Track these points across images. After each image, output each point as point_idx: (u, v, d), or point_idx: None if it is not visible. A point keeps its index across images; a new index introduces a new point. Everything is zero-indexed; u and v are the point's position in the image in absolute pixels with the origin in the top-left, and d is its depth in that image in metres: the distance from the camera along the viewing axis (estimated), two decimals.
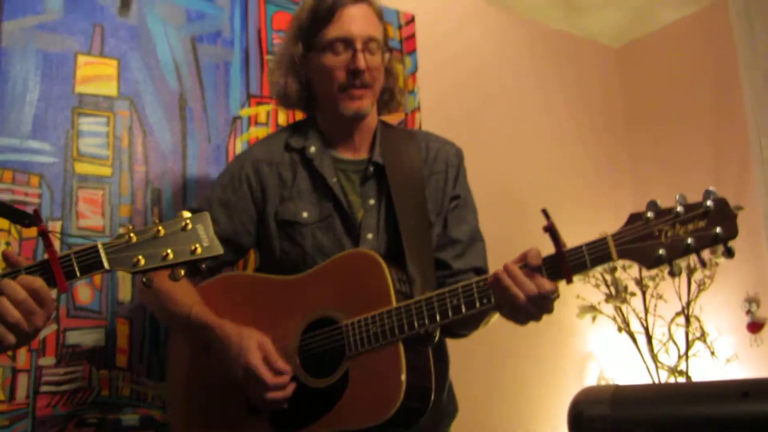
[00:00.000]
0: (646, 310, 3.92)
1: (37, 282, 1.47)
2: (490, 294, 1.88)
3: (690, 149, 4.33)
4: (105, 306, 2.58)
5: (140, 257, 1.55)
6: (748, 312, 3.89)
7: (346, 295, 2.05)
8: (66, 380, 2.47)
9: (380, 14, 2.30)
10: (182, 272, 1.59)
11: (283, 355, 2.03)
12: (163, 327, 2.66)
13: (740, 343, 3.91)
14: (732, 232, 1.68)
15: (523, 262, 1.84)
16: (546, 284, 1.81)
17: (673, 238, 1.71)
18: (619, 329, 3.97)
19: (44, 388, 2.42)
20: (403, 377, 1.90)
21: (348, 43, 2.18)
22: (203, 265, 1.63)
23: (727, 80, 4.18)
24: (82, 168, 2.62)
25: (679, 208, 1.71)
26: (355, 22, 2.20)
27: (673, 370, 3.83)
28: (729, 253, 1.69)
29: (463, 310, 1.91)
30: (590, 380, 4.11)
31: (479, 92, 4.03)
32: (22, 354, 2.40)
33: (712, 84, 4.29)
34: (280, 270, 2.22)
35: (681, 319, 3.87)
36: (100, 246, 1.54)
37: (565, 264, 1.81)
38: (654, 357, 3.88)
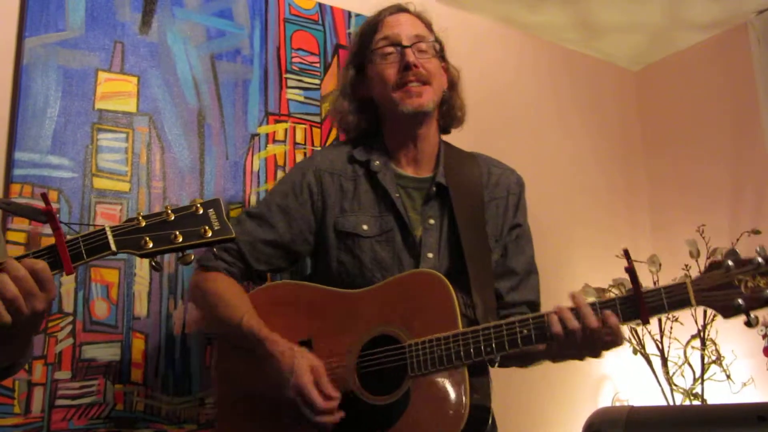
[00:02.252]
0: (662, 333, 3.89)
1: (39, 263, 1.47)
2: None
3: (708, 173, 4.32)
4: (121, 321, 2.59)
5: (148, 239, 1.55)
6: (765, 336, 3.87)
7: (409, 315, 2.03)
8: (81, 394, 2.48)
9: (429, 24, 2.37)
10: (191, 256, 1.60)
11: (340, 370, 2.03)
12: (179, 342, 2.67)
13: (756, 367, 3.88)
14: None
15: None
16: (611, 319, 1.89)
17: (753, 288, 1.73)
18: (635, 351, 3.95)
19: (59, 402, 2.43)
20: (467, 401, 1.90)
21: (395, 43, 2.24)
22: (214, 249, 1.64)
23: (745, 104, 4.17)
24: (100, 183, 2.64)
25: (760, 260, 1.74)
26: (400, 24, 2.28)
27: (689, 393, 3.81)
28: None
29: (534, 340, 1.92)
30: (605, 401, 4.08)
31: (496, 113, 4.02)
32: (38, 367, 2.41)
33: (731, 108, 4.28)
34: (334, 281, 2.21)
35: (697, 342, 3.85)
36: (107, 229, 1.55)
37: (644, 305, 1.83)
38: (669, 379, 3.86)
